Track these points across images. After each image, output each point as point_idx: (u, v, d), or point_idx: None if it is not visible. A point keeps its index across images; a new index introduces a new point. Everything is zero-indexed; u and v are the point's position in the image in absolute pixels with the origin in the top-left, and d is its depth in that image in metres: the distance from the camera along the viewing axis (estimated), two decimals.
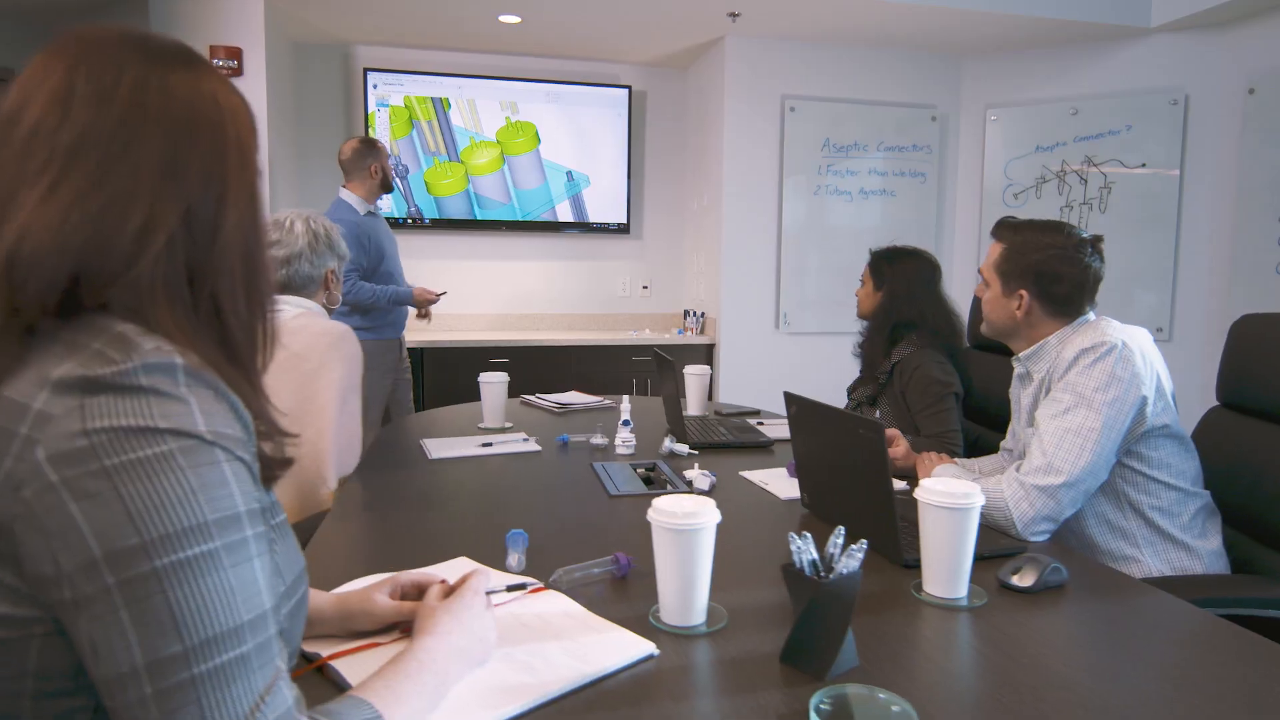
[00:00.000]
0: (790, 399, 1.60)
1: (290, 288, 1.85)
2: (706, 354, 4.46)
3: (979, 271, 1.77)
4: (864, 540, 0.97)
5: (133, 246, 0.67)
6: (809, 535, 0.98)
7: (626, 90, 4.74)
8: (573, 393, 3.01)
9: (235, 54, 3.72)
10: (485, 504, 1.72)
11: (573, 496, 1.75)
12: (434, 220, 4.58)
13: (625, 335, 4.52)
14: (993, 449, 2.11)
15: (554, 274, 4.88)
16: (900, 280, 2.31)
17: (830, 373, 4.55)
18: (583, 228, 4.78)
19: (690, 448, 2.07)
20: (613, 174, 4.79)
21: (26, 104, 0.69)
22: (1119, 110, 4.15)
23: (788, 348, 4.47)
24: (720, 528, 1.07)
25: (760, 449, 2.16)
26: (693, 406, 2.62)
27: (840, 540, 0.99)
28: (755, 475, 1.86)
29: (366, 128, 4.43)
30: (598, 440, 2.14)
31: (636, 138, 4.87)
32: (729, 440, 2.16)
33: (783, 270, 4.40)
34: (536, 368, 4.24)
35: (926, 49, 4.46)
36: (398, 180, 4.54)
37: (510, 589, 1.14)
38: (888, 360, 2.26)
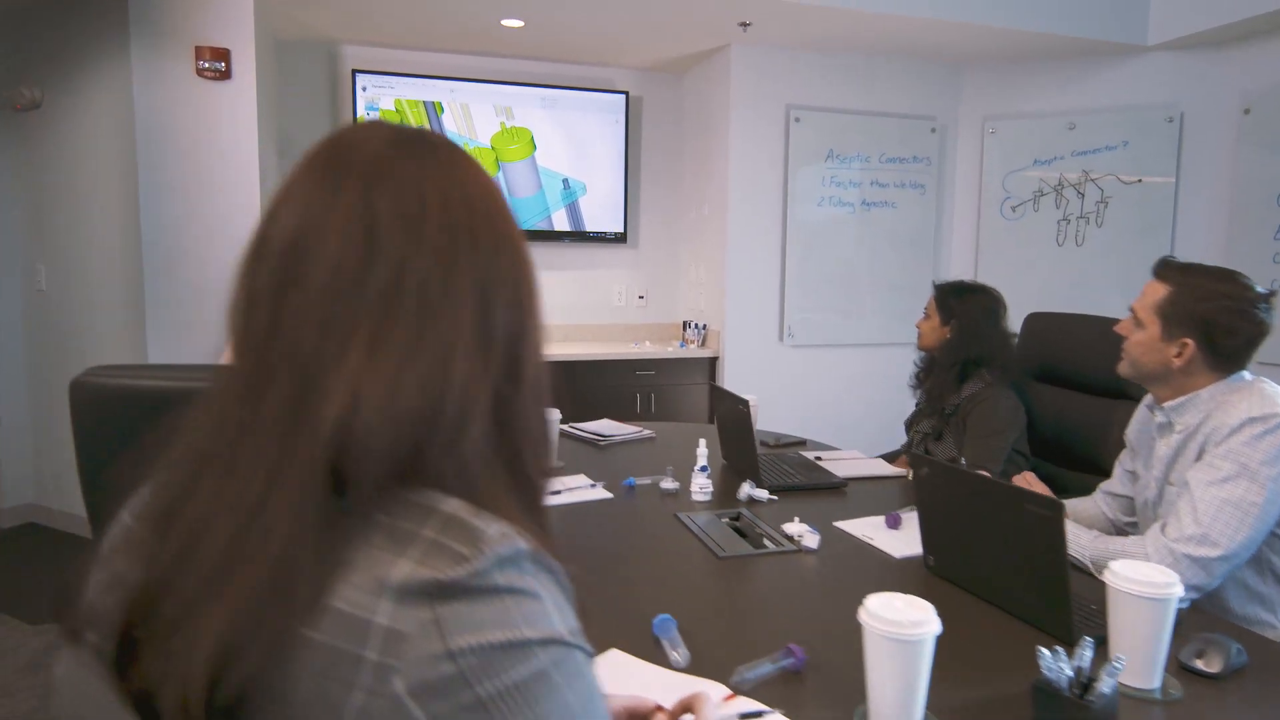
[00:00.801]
0: (918, 460, 1.54)
1: None
2: (709, 367, 4.40)
3: (1131, 310, 1.65)
4: (1120, 656, 0.92)
5: (460, 408, 0.56)
6: (1060, 650, 0.92)
7: (623, 96, 4.63)
8: (604, 421, 2.91)
9: (222, 55, 3.49)
10: (583, 568, 1.62)
11: (675, 557, 1.66)
12: None
13: (626, 348, 4.43)
14: (1069, 487, 2.10)
15: (550, 285, 4.72)
16: (969, 316, 2.28)
17: (833, 385, 4.55)
18: (579, 237, 4.66)
19: (769, 492, 2.00)
20: (610, 181, 4.68)
21: (313, 233, 0.57)
22: (1116, 126, 4.22)
23: (792, 360, 4.44)
24: (853, 593, 1.01)
25: (834, 490, 2.10)
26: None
27: (1089, 653, 0.93)
28: (852, 527, 1.80)
29: None
30: (668, 485, 2.06)
31: (633, 144, 4.77)
32: (804, 483, 2.10)
33: (787, 282, 4.36)
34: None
35: (928, 60, 4.46)
36: None
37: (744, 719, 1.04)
38: (956, 396, 2.23)
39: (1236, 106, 3.95)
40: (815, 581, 1.56)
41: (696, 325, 4.54)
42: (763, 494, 1.98)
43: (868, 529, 1.79)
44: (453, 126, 4.38)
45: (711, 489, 2.00)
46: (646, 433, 2.73)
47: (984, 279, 4.62)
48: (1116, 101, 4.24)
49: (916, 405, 2.49)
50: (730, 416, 2.22)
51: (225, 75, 3.49)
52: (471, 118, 4.41)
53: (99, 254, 3.69)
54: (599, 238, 4.70)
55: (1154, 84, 4.16)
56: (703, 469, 2.00)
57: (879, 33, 3.97)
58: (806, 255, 4.37)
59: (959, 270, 4.68)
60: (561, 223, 4.62)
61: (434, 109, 4.35)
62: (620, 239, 4.74)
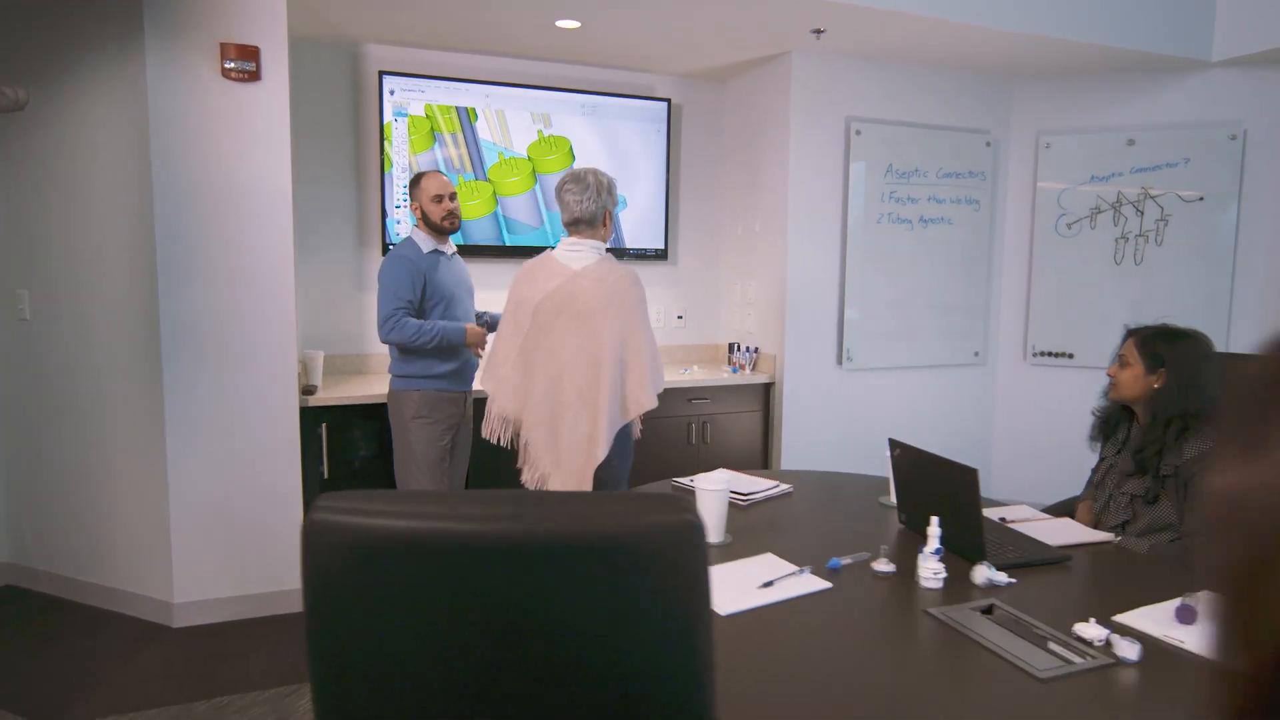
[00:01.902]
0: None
1: (582, 221, 2.60)
2: (764, 394, 4.14)
3: None
4: None
5: None
6: None
7: (665, 104, 4.34)
8: (720, 471, 2.61)
9: (252, 54, 3.06)
10: (877, 708, 1.32)
11: (973, 681, 1.38)
12: (459, 247, 4.02)
13: (675, 375, 4.13)
14: None
15: None
16: (1187, 364, 2.06)
17: (893, 412, 4.35)
18: (619, 255, 4.34)
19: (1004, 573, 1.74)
20: (650, 194, 4.38)
21: None
22: (1176, 142, 4.13)
23: (850, 386, 4.22)
24: None
25: (1059, 566, 1.86)
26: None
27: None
28: (1137, 621, 1.56)
29: (382, 141, 3.82)
30: (884, 568, 1.79)
31: (674, 155, 4.48)
32: (1027, 558, 1.86)
33: (846, 304, 4.13)
34: None
35: (981, 73, 4.30)
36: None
37: None
38: (1178, 456, 2.01)
39: None
40: (1160, 710, 1.31)
41: (747, 348, 4.28)
42: (1001, 577, 1.72)
43: (1157, 623, 1.55)
44: (487, 135, 4.01)
45: (945, 573, 1.73)
46: (784, 487, 2.45)
47: (1037, 299, 4.53)
48: (1178, 118, 4.16)
49: (1102, 457, 2.28)
50: (932, 480, 1.96)
51: (255, 76, 3.07)
52: (507, 125, 4.05)
53: (100, 276, 3.21)
54: (639, 255, 4.40)
55: (1217, 100, 4.09)
56: (936, 552, 1.73)
57: (939, 42, 3.78)
58: (865, 275, 4.16)
59: (1010, 293, 4.54)
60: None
61: (467, 115, 3.97)
62: (661, 256, 4.45)
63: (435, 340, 2.97)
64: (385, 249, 3.86)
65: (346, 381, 3.72)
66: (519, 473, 2.61)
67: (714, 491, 1.96)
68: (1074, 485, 4.44)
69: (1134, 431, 2.18)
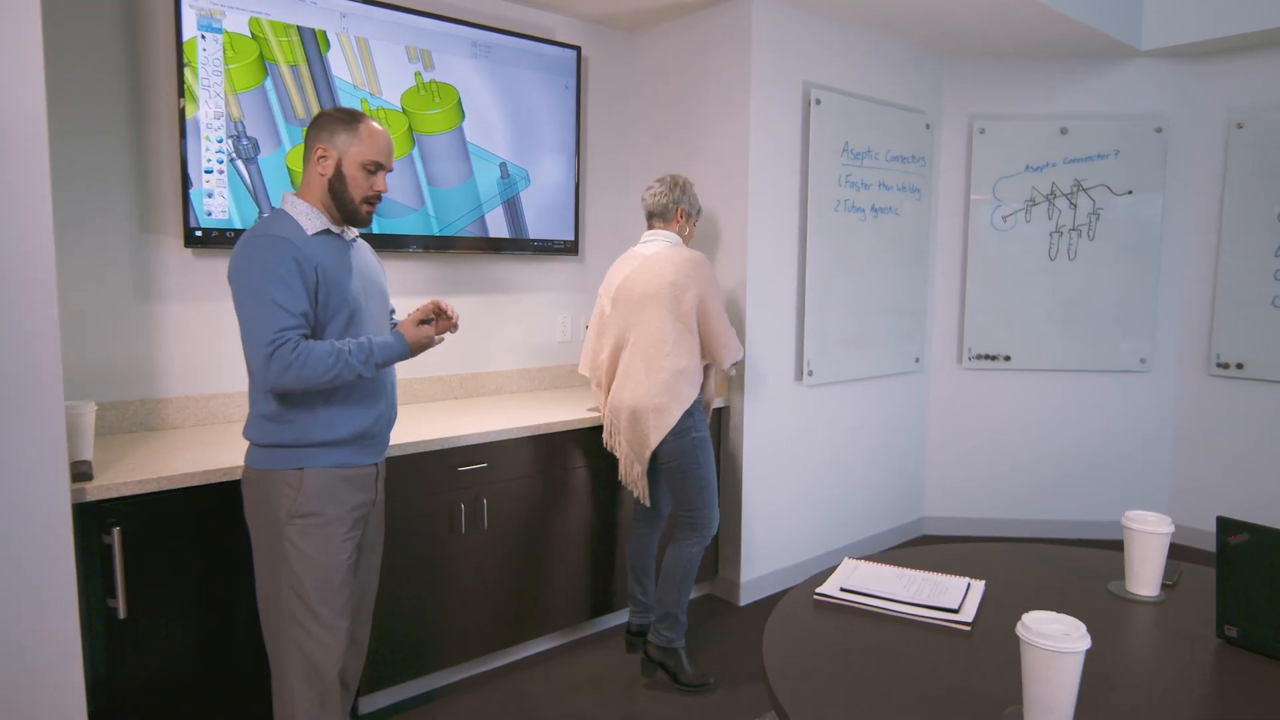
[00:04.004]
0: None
1: (655, 215, 2.73)
2: (716, 420, 3.33)
3: None
4: None
5: None
6: None
7: (574, 53, 3.35)
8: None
9: None
10: None
11: None
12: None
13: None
14: None
15: (485, 317, 3.31)
16: None
17: (851, 428, 3.75)
18: (521, 247, 3.30)
19: None
20: (557, 170, 3.37)
21: None
22: (1107, 133, 3.95)
23: (811, 403, 3.54)
24: None
25: None
26: (1148, 584, 1.63)
27: None
28: None
29: (181, 69, 2.45)
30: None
31: (585, 122, 3.50)
32: None
33: (806, 310, 3.45)
34: (523, 473, 2.75)
35: (917, 46, 3.82)
36: (240, 164, 2.64)
37: None
38: None
39: (1224, 120, 3.87)
40: None
41: None
42: None
43: None
44: (344, 73, 2.78)
45: None
46: (972, 591, 1.66)
47: (973, 297, 4.17)
48: (1108, 108, 3.98)
49: None
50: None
51: None
52: (373, 62, 2.84)
53: None
54: (543, 248, 3.38)
55: (1144, 92, 3.96)
56: None
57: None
58: (824, 274, 3.50)
59: (948, 288, 4.14)
60: (498, 225, 3.22)
61: (315, 41, 2.71)
62: (569, 249, 3.46)
63: (364, 367, 1.79)
64: (189, 236, 2.51)
65: (137, 447, 2.33)
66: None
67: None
68: (1025, 501, 4.16)
69: None
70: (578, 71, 3.36)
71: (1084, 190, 3.98)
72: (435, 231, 3.04)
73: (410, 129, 2.94)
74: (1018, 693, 1.21)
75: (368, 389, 1.89)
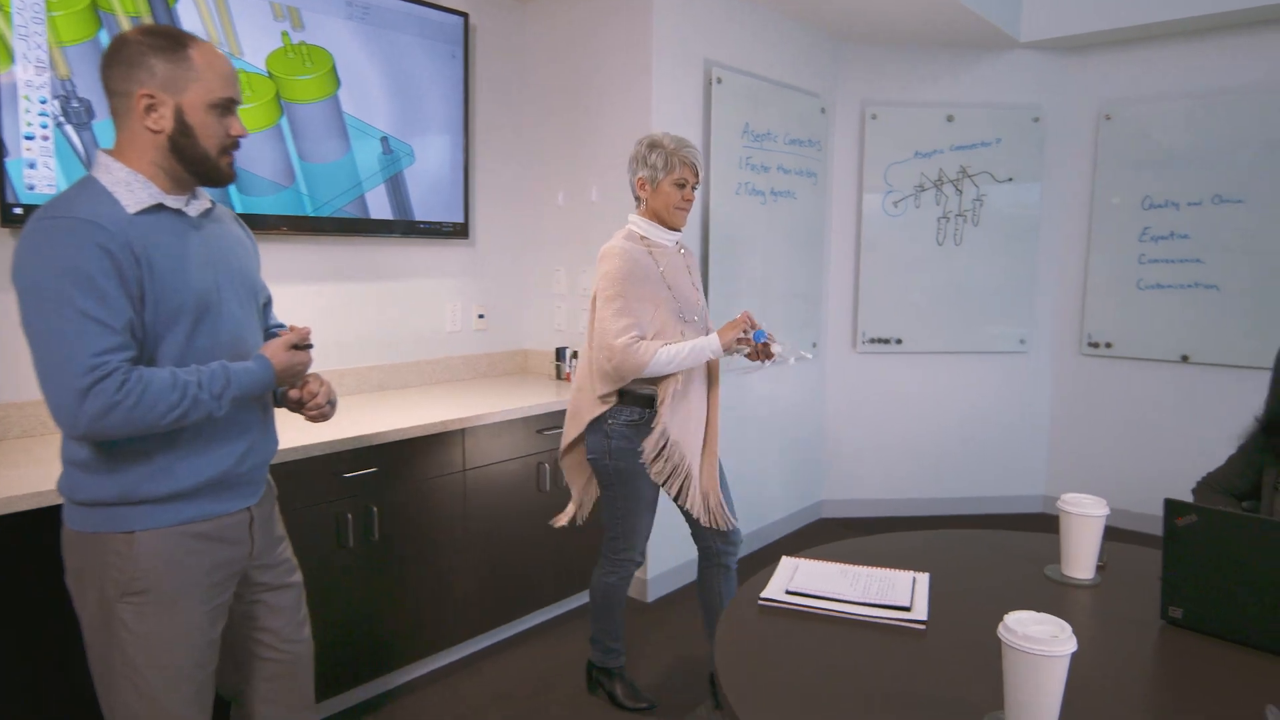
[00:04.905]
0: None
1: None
2: None
3: None
4: None
5: None
6: None
7: (461, 19, 3.10)
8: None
9: None
10: None
11: None
12: None
13: (512, 399, 2.99)
14: None
15: (363, 304, 3.01)
16: None
17: (752, 423, 3.69)
18: (407, 229, 3.03)
19: None
20: (445, 148, 3.12)
21: None
22: (989, 122, 4.06)
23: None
24: None
25: None
26: (1085, 567, 1.61)
27: None
28: None
29: None
30: None
31: (473, 95, 3.26)
32: None
33: (709, 296, 3.35)
34: (425, 473, 2.52)
35: (812, 27, 3.79)
36: (70, 130, 2.27)
37: None
38: None
39: (1096, 111, 4.05)
40: None
41: None
42: None
43: None
44: (197, 27, 2.43)
45: None
46: (917, 584, 1.58)
47: (867, 283, 4.20)
48: (990, 97, 4.09)
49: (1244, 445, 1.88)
50: (1243, 559, 1.27)
51: None
52: (231, 18, 2.50)
53: None
54: (431, 231, 3.12)
55: (1022, 82, 4.09)
56: None
57: None
58: (725, 261, 3.41)
59: (841, 273, 4.16)
60: (380, 206, 2.94)
61: None
62: (458, 232, 3.21)
63: (215, 403, 1.38)
64: (7, 213, 2.12)
65: None
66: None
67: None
68: (916, 480, 4.25)
69: None
70: (465, 40, 3.12)
71: (969, 177, 4.08)
72: (308, 211, 2.73)
73: (277, 96, 2.62)
74: (993, 696, 1.13)
75: (227, 422, 1.46)
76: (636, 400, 2.22)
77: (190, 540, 1.43)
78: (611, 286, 2.15)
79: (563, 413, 2.92)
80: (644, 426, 2.22)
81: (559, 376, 3.33)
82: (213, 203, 1.53)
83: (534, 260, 3.51)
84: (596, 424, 2.26)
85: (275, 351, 1.48)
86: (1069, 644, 1.04)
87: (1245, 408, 2.25)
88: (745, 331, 2.17)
